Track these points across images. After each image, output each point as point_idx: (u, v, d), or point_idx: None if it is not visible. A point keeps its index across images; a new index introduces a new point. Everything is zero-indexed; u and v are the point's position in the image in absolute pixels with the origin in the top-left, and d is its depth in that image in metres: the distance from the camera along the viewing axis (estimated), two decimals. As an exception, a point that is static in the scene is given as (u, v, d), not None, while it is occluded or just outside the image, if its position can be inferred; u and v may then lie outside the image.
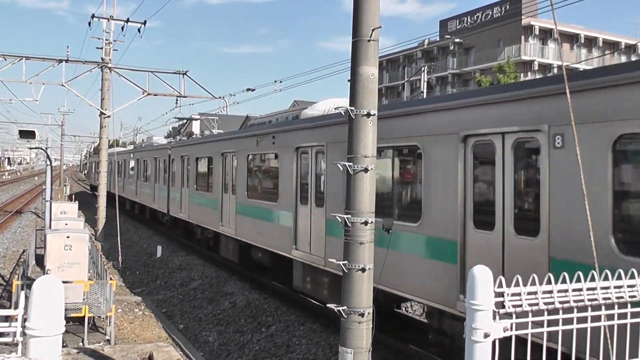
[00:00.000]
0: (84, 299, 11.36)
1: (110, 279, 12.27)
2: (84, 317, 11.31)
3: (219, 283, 18.25)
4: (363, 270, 6.97)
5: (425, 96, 30.51)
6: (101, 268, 14.12)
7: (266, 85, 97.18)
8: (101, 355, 9.86)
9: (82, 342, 11.13)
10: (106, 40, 27.10)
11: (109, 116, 27.42)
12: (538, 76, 56.54)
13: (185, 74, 27.96)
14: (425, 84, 33.27)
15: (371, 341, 7.09)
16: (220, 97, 29.99)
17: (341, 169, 7.26)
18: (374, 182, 7.22)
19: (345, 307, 6.99)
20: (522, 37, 64.16)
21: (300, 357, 11.32)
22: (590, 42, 70.61)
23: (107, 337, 11.69)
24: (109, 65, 27.08)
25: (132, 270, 22.29)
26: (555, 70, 62.91)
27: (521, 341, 2.32)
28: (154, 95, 28.41)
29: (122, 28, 26.78)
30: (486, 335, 2.09)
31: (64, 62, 26.19)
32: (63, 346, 9.77)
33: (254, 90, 26.71)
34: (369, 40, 7.36)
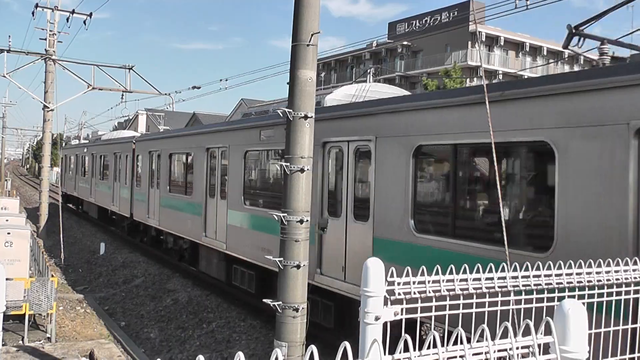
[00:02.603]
0: (24, 297, 11.23)
1: (52, 276, 12.19)
2: (24, 315, 11.17)
3: (162, 280, 18.28)
4: (298, 267, 7.22)
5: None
6: (43, 265, 13.99)
7: (213, 83, 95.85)
8: (41, 353, 9.81)
9: (22, 340, 11.02)
10: (50, 31, 26.58)
11: (52, 110, 26.95)
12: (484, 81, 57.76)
13: (131, 68, 27.68)
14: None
15: (305, 335, 7.35)
16: (166, 94, 29.80)
17: (279, 169, 7.50)
18: (310, 182, 7.48)
19: (280, 302, 7.23)
20: (469, 43, 65.56)
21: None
22: (535, 51, 72.68)
23: (48, 335, 11.61)
24: (53, 57, 26.58)
25: (75, 267, 22.02)
26: (501, 77, 64.59)
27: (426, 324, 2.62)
28: (99, 89, 27.98)
29: (68, 19, 26.34)
30: (377, 318, 2.40)
31: (5, 52, 25.62)
32: (2, 344, 9.72)
33: (199, 88, 26.63)
34: (307, 45, 7.60)
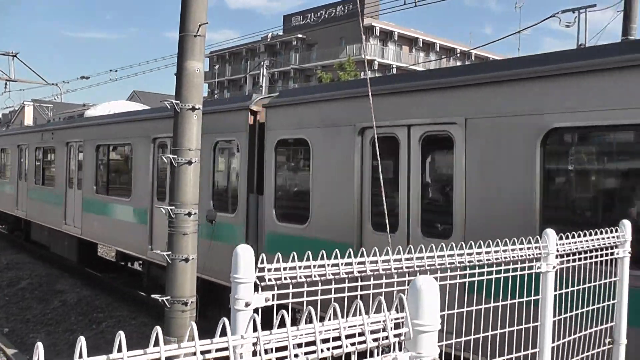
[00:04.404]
0: None
1: None
2: None
3: (50, 281, 17.52)
4: (186, 260, 7.12)
5: (265, 91, 31.06)
6: None
7: (103, 73, 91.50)
8: None
9: None
10: None
11: None
12: (378, 74, 59.09)
13: (15, 56, 26.25)
14: (266, 78, 33.74)
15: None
16: (54, 84, 28.52)
17: (166, 161, 7.35)
18: (198, 175, 7.39)
19: (169, 297, 7.11)
20: (364, 36, 66.65)
21: (131, 352, 11.19)
22: (429, 47, 75.14)
23: None
24: None
25: (-49, 272, 20.70)
26: (395, 70, 66.18)
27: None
28: (-22, 79, 26.44)
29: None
30: (247, 305, 2.41)
31: None
32: None
33: (88, 78, 25.68)
34: (195, 36, 7.49)
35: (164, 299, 7.06)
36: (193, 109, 7.37)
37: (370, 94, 6.47)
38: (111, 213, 15.04)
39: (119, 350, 1.65)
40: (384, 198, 6.16)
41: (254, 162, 10.49)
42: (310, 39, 71.27)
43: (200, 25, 7.55)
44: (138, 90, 71.20)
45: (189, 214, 7.14)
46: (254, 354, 1.93)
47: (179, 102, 7.42)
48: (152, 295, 7.44)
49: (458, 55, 71.49)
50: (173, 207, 7.13)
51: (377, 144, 6.77)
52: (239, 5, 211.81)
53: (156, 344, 1.73)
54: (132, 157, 14.13)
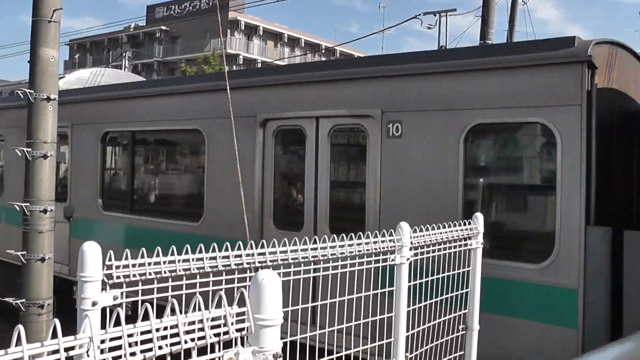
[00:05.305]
0: None
1: None
2: None
3: None
4: (42, 260, 6.74)
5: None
6: None
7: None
8: None
9: None
10: None
11: None
12: (243, 68, 58.94)
13: None
14: (128, 70, 32.67)
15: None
16: None
17: (19, 154, 6.91)
18: (54, 169, 7.03)
19: (24, 300, 6.69)
20: (229, 31, 66.25)
21: (-19, 360, 10.41)
22: (294, 42, 75.79)
23: None
24: None
25: None
26: (259, 64, 66.32)
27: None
28: None
29: None
30: (94, 304, 2.33)
31: None
32: None
33: None
34: (49, 21, 7.09)
35: (18, 302, 6.63)
36: (48, 99, 6.98)
37: None
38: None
39: None
40: None
41: (591, 165, 5.55)
42: (174, 32, 69.66)
43: (54, 11, 7.16)
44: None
45: (45, 211, 6.76)
46: (101, 353, 1.86)
47: (32, 91, 7.00)
48: (5, 299, 6.96)
49: (323, 51, 72.73)
50: (28, 204, 6.72)
51: None
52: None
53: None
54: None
